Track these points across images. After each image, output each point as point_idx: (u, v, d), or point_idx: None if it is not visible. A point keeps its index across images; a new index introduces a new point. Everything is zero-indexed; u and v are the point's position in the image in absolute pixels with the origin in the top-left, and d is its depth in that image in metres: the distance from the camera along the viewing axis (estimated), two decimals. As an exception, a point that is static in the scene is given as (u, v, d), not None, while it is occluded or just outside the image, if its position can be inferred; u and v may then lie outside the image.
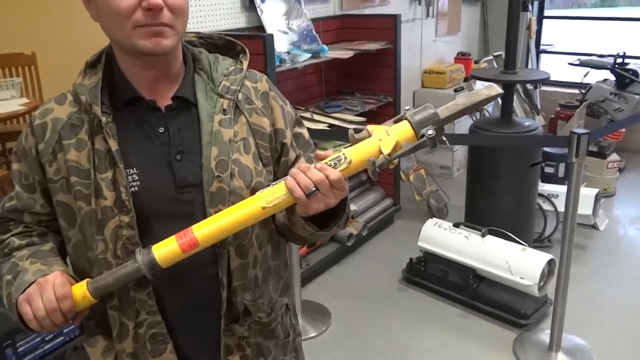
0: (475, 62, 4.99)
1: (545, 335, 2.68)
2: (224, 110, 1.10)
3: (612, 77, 4.64)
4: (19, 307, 1.00)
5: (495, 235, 2.98)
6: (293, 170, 1.00)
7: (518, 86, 4.78)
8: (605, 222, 3.94)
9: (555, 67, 5.67)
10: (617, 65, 4.56)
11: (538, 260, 2.78)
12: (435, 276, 3.13)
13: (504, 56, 3.35)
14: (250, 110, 1.13)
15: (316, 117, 3.31)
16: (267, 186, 1.11)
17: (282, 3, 3.16)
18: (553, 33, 6.26)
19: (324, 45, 3.23)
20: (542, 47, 5.84)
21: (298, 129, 1.21)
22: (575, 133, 2.40)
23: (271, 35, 2.66)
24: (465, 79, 4.82)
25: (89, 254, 1.06)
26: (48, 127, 1.07)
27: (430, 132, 0.99)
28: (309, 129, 1.27)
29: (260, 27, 3.05)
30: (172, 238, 1.00)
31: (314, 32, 3.28)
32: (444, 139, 1.03)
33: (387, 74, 3.75)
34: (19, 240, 1.11)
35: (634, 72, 4.51)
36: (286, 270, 1.25)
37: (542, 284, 2.78)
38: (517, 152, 3.15)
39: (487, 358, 2.63)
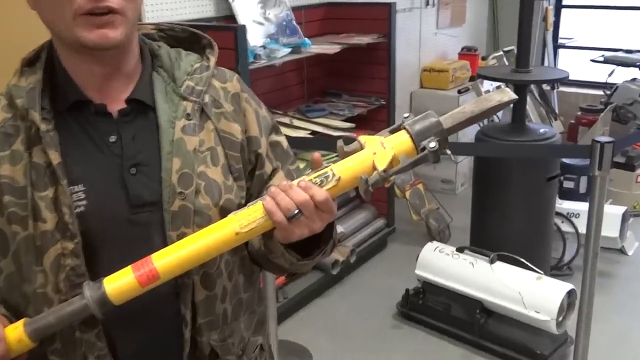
0: (483, 59, 5.06)
1: (564, 380, 2.71)
2: (188, 114, 1.10)
3: (642, 76, 4.74)
4: None
5: (506, 262, 3.01)
6: (272, 189, 1.00)
7: (532, 87, 4.85)
8: (635, 245, 3.99)
9: (575, 65, 5.77)
10: (646, 63, 4.66)
11: (556, 291, 2.82)
12: (436, 310, 3.14)
13: (515, 52, 3.40)
14: (218, 114, 1.14)
15: (296, 122, 3.33)
16: (238, 205, 1.12)
17: (257, -12, 3.19)
18: (573, 25, 6.36)
19: (306, 39, 3.26)
20: (560, 42, 5.94)
21: (275, 137, 1.22)
22: (598, 142, 2.45)
23: (244, 27, 2.67)
24: (471, 78, 4.89)
25: (25, 288, 1.05)
26: None
27: (432, 144, 1.00)
28: (287, 137, 1.29)
29: (232, 17, 3.08)
30: (128, 269, 0.99)
31: (294, 23, 3.31)
32: (448, 151, 1.04)
33: (379, 72, 3.79)
34: None
35: (666, 71, 4.61)
36: (260, 304, 1.25)
37: (561, 319, 2.81)
38: (531, 164, 3.20)
39: (497, 407, 2.65)
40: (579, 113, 5.08)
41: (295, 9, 3.41)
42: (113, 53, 1.06)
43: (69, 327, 1.04)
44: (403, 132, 1.02)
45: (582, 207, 3.54)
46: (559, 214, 3.61)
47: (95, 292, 0.99)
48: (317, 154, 1.05)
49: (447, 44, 5.22)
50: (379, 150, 1.00)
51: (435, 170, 4.80)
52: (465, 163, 4.83)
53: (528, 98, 4.37)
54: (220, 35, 2.55)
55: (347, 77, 3.90)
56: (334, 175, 1.00)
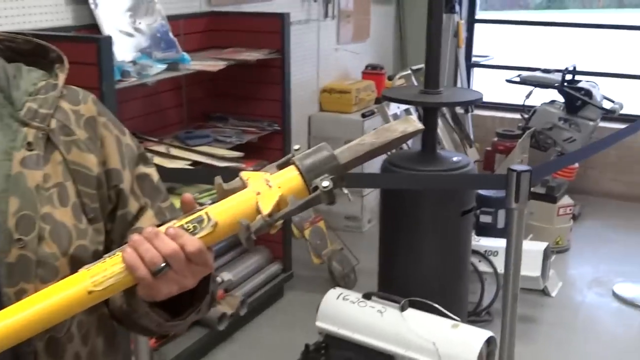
0: (389, 79, 5.20)
1: None
2: (29, 144, 1.07)
3: (561, 99, 5.00)
4: None
5: (419, 309, 3.06)
6: (134, 237, 0.98)
7: (445, 110, 5.02)
8: (558, 285, 4.18)
9: (491, 86, 6.04)
10: (566, 83, 4.93)
11: (474, 339, 2.89)
12: (341, 368, 3.14)
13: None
14: (68, 143, 1.11)
15: (174, 151, 3.29)
16: (94, 252, 1.09)
17: (126, -6, 3.15)
18: (488, 41, 6.68)
19: (185, 54, 3.24)
20: (473, 60, 6.21)
21: (143, 169, 1.20)
22: (514, 170, 2.55)
23: (109, 38, 2.62)
24: (377, 100, 5.01)
25: None
26: None
27: (325, 183, 0.99)
28: (164, 169, 1.26)
29: (94, 27, 3.02)
30: None
31: (171, 35, 3.29)
32: (345, 190, 1.05)
33: (272, 93, 3.82)
34: None
35: (587, 92, 4.89)
36: (124, 371, 1.22)
37: (480, 371, 2.87)
38: (444, 196, 3.29)
39: None
40: (496, 139, 5.31)
41: (171, 19, 3.39)
42: None
43: None
44: (292, 168, 1.02)
45: (501, 243, 3.65)
46: (475, 252, 3.72)
47: None
48: (187, 195, 1.03)
49: (350, 61, 5.33)
50: (264, 190, 1.00)
51: (338, 205, 4.84)
52: (373, 197, 4.92)
53: (440, 122, 4.52)
54: (80, 47, 2.51)
55: (234, 98, 3.91)
56: (209, 219, 0.98)
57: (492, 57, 6.46)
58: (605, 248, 4.77)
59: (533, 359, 3.42)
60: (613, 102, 4.97)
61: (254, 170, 1.06)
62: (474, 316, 3.67)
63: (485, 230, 4.24)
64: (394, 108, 4.68)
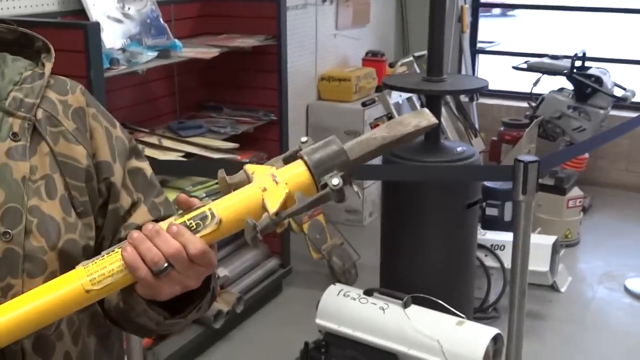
0: (391, 66, 5.20)
1: None
2: (15, 134, 1.07)
3: (570, 86, 5.00)
4: None
5: (422, 305, 3.07)
6: (134, 235, 0.97)
7: (449, 99, 5.03)
8: (568, 280, 4.18)
9: (497, 73, 6.04)
10: (575, 70, 4.93)
11: (480, 337, 2.89)
12: (342, 367, 3.15)
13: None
14: (55, 134, 1.11)
15: (166, 142, 3.28)
16: (84, 247, 1.09)
17: (114, -21, 3.14)
18: (494, 27, 6.68)
19: (177, 40, 3.24)
20: (479, 46, 6.20)
21: (136, 163, 1.20)
22: (521, 161, 2.55)
23: (97, 24, 2.62)
24: (378, 88, 5.00)
25: None
26: None
27: (335, 181, 0.98)
28: (156, 161, 1.27)
29: (81, 13, 3.01)
30: None
31: (161, 21, 3.28)
32: (355, 188, 1.04)
33: (268, 81, 3.81)
34: None
35: (597, 79, 4.89)
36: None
37: (486, 370, 2.88)
38: (448, 188, 3.29)
39: None
40: (502, 128, 5.31)
41: (162, 4, 3.38)
42: None
43: None
44: (299, 162, 1.01)
45: (508, 237, 3.65)
46: (481, 247, 3.72)
47: None
48: (183, 195, 1.02)
49: (349, 47, 5.33)
50: (270, 185, 0.99)
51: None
52: (374, 189, 4.92)
53: (444, 111, 4.52)
54: (66, 34, 2.51)
55: (228, 87, 3.90)
56: (213, 216, 0.98)
57: (498, 43, 6.46)
58: (616, 241, 4.77)
59: (542, 356, 3.43)
60: (625, 89, 4.96)
61: (253, 163, 1.05)
62: (480, 313, 3.67)
63: (492, 224, 4.24)
64: (396, 96, 4.68)
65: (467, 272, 3.43)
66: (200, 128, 3.54)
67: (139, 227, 1.11)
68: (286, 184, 0.99)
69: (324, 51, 5.06)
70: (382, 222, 3.50)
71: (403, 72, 4.84)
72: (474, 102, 5.52)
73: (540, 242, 3.76)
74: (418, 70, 4.79)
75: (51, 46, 1.18)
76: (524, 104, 5.41)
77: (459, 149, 3.39)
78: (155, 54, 3.06)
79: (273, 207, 0.97)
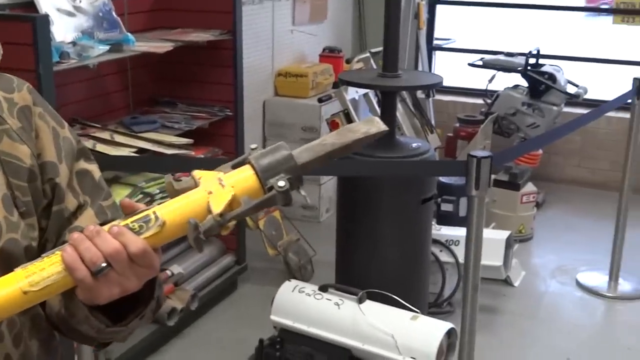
0: (347, 62, 5.19)
1: None
2: (-44, 132, 1.06)
3: (525, 83, 5.05)
4: None
5: (377, 301, 3.07)
6: (75, 235, 0.96)
7: (405, 95, 5.04)
8: (521, 275, 4.23)
9: (453, 69, 6.08)
10: (529, 67, 4.98)
11: (434, 331, 2.90)
12: (297, 363, 3.15)
13: (383, 53, 3.51)
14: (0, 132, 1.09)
15: (119, 138, 3.24)
16: (26, 248, 1.07)
17: (65, -29, 3.09)
18: (451, 23, 6.72)
19: (130, 34, 3.19)
20: (435, 43, 6.23)
21: (84, 164, 1.19)
22: (474, 156, 2.57)
23: (46, 17, 2.58)
24: (335, 85, 4.99)
25: None
26: None
27: (281, 183, 1.00)
28: (108, 156, 1.24)
29: (30, 5, 2.95)
30: None
31: (114, 14, 3.24)
32: (302, 192, 1.05)
33: (224, 76, 3.78)
34: None
35: (551, 76, 4.95)
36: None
37: (440, 364, 2.89)
38: (404, 184, 3.30)
39: None
40: (457, 125, 5.33)
41: (115, -3, 3.33)
42: None
43: None
44: (247, 167, 1.02)
45: (463, 232, 3.66)
46: (436, 242, 3.74)
47: None
48: (126, 200, 1.02)
49: (306, 43, 5.32)
50: (216, 189, 1.00)
51: (294, 195, 4.83)
52: (330, 185, 4.92)
53: (400, 107, 4.53)
54: (14, 27, 2.47)
55: (183, 82, 3.87)
56: (157, 218, 0.98)
57: (455, 40, 6.50)
58: (569, 236, 4.84)
59: (495, 350, 3.46)
60: (577, 86, 5.03)
61: (205, 164, 1.04)
62: (435, 307, 3.69)
63: (447, 219, 4.27)
64: (352, 92, 4.67)
65: (422, 267, 3.44)
66: (154, 123, 3.50)
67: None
68: (232, 187, 1.00)
69: (280, 47, 5.04)
70: (337, 217, 3.50)
71: (360, 68, 4.84)
72: (430, 99, 5.53)
73: (494, 237, 3.79)
74: (375, 67, 4.79)
75: None
76: (480, 101, 5.45)
77: (414, 144, 3.40)
78: (107, 47, 3.01)
79: (217, 208, 0.98)
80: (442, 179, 4.29)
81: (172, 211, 0.99)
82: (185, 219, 0.98)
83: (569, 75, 5.09)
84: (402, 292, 3.09)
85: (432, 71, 6.04)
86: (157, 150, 3.26)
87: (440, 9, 6.22)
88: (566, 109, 5.06)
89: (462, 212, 4.32)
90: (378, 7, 4.76)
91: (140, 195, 3.15)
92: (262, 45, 4.83)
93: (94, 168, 1.20)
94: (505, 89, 5.13)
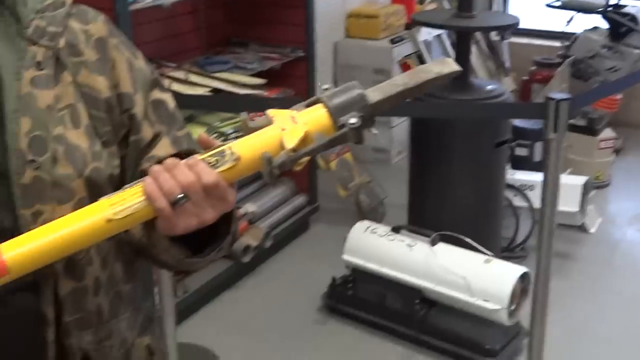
0: (420, 2, 5.11)
1: (517, 378, 2.80)
2: (38, 63, 1.07)
3: (605, 24, 4.88)
4: None
5: (450, 243, 3.08)
6: (155, 168, 0.99)
7: (479, 37, 4.94)
8: (597, 221, 4.15)
9: (529, 10, 5.91)
10: (610, 8, 4.81)
11: (507, 275, 2.89)
12: (368, 302, 3.18)
13: (458, -8, 3.45)
14: (77, 64, 1.11)
15: (193, 78, 3.28)
16: (109, 176, 1.10)
17: None
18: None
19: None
20: (511, -18, 6.06)
21: (158, 94, 1.20)
22: (553, 99, 2.51)
23: (124, -44, 2.59)
24: (407, 26, 4.93)
25: None
26: None
27: (353, 120, 1.01)
28: (183, 96, 1.26)
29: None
30: None
31: (188, -46, 3.24)
32: (374, 130, 1.06)
33: (296, 17, 3.76)
34: None
35: (633, 18, 4.77)
36: (147, 298, 1.26)
37: (513, 307, 2.89)
38: (478, 127, 3.26)
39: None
40: (533, 68, 5.21)
41: (189, -63, 3.34)
42: None
43: None
44: (319, 106, 1.04)
45: (537, 177, 3.64)
46: (510, 187, 3.70)
47: None
48: (204, 135, 1.05)
49: (378, -16, 5.23)
50: (289, 126, 1.01)
51: (366, 137, 4.82)
52: (403, 127, 4.88)
53: (474, 49, 4.45)
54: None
55: (256, 22, 3.86)
56: (232, 154, 1.00)
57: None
58: (647, 183, 4.72)
59: (569, 295, 3.42)
60: (660, 27, 4.84)
61: (278, 102, 1.06)
62: (508, 252, 3.67)
63: (521, 164, 4.20)
64: (425, 34, 4.61)
65: (495, 211, 3.41)
66: (227, 64, 3.53)
67: (160, 160, 1.12)
68: (305, 124, 1.02)
69: (352, -13, 4.98)
70: (410, 160, 3.49)
71: (433, 8, 4.76)
72: (505, 41, 5.42)
73: (571, 183, 3.72)
74: (448, 6, 4.71)
75: None
76: (557, 43, 5.29)
77: (489, 87, 3.35)
78: (181, -14, 3.02)
79: (290, 143, 1.00)
80: (517, 122, 4.21)
81: (247, 146, 1.01)
82: (259, 154, 1.00)
83: (652, 16, 4.89)
84: (475, 235, 3.09)
85: (507, 11, 5.90)
86: (231, 90, 3.29)
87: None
88: (648, 52, 4.88)
89: (537, 157, 4.25)
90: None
91: (215, 134, 3.20)
92: (334, -14, 4.77)
93: (168, 97, 1.21)
94: (584, 31, 4.96)
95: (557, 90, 4.62)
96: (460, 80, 3.31)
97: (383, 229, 3.21)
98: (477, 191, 3.33)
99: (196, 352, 3.02)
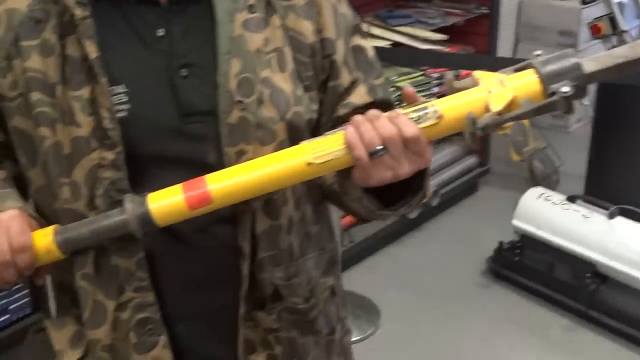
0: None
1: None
2: (251, 6, 1.10)
3: None
4: None
5: (630, 218, 2.95)
6: (358, 117, 1.00)
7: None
8: None
9: None
10: None
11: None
12: (535, 270, 3.12)
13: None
14: (286, 8, 1.13)
15: (375, 30, 3.29)
16: (308, 121, 1.13)
17: None
18: None
19: None
20: None
21: (358, 41, 1.20)
22: None
23: None
24: (600, -14, 4.69)
25: (55, 204, 1.09)
26: (1, 21, 1.08)
27: (565, 88, 0.98)
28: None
29: None
30: (177, 188, 1.02)
31: None
32: (586, 102, 1.04)
33: (481, -28, 3.69)
34: None
35: None
36: (331, 240, 1.27)
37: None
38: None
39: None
40: None
41: None
42: None
43: (103, 251, 1.07)
44: (530, 71, 1.01)
45: None
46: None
47: (138, 207, 1.02)
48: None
49: None
50: (497, 89, 1.00)
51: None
52: (584, 93, 4.70)
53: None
54: None
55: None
56: (435, 111, 1.00)
57: None
58: None
59: None
60: None
61: (459, 63, 1.05)
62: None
63: None
64: (619, -4, 4.36)
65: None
66: (408, 18, 3.51)
67: (356, 108, 1.13)
68: (514, 88, 1.00)
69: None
70: (593, 127, 3.36)
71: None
72: None
73: None
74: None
75: None
76: None
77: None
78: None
79: (497, 107, 0.98)
80: None
81: (451, 106, 1.00)
82: (463, 115, 0.99)
83: None
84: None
85: None
86: (411, 45, 3.28)
87: None
88: None
89: None
90: None
91: (391, 89, 3.21)
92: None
93: (367, 44, 1.21)
94: None
95: None
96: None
97: (557, 197, 3.13)
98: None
99: (358, 301, 3.09)
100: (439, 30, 3.48)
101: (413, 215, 3.48)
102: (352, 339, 2.74)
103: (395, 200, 1.09)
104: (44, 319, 1.19)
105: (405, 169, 1.00)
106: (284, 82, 1.10)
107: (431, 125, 0.99)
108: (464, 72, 3.54)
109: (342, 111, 1.15)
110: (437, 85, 3.40)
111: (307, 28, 1.13)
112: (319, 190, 1.20)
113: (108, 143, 1.04)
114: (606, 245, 2.89)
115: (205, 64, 1.08)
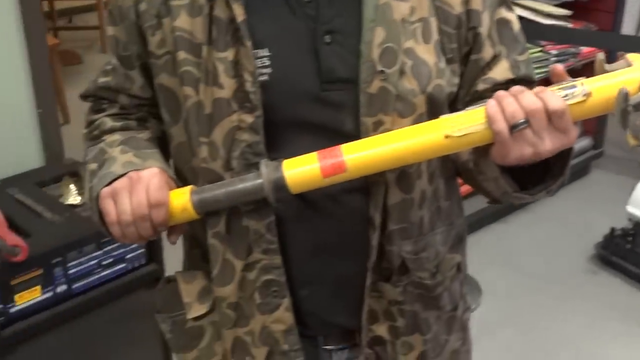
0: None
1: None
2: (398, -27, 1.08)
3: None
4: (100, 202, 1.08)
5: None
6: (500, 92, 0.98)
7: None
8: None
9: None
10: None
11: None
12: (648, 260, 3.04)
13: None
14: None
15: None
16: (449, 94, 1.11)
17: None
18: None
19: None
20: None
21: (504, 13, 1.16)
22: None
23: None
24: None
25: (193, 162, 1.12)
26: None
27: None
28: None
29: None
30: (313, 156, 1.03)
31: None
32: None
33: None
34: (112, 122, 1.20)
35: None
36: (460, 215, 1.27)
37: None
38: None
39: None
40: None
41: None
42: None
43: (236, 211, 1.10)
44: None
45: None
46: None
47: (273, 172, 1.03)
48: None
49: None
50: None
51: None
52: None
53: None
54: None
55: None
56: (583, 89, 0.96)
57: None
58: None
59: None
60: None
61: (586, 39, 1.01)
62: None
63: None
64: None
65: None
66: (532, -9, 3.42)
67: (497, 83, 1.11)
68: None
69: None
70: None
71: None
72: None
73: None
74: None
75: None
76: None
77: None
78: None
79: None
80: None
81: (601, 85, 0.97)
82: (613, 95, 0.95)
83: None
84: None
85: None
86: (533, 19, 3.20)
87: None
88: None
89: None
90: None
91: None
92: None
93: (513, 18, 1.18)
94: None
95: None
96: None
97: (677, 185, 3.03)
98: None
99: (460, 277, 3.08)
100: (562, 4, 3.38)
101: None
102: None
103: (532, 184, 1.07)
104: (177, 272, 1.24)
105: (547, 146, 0.97)
106: (427, 53, 1.09)
107: (577, 103, 0.96)
108: (585, 50, 3.48)
109: (481, 86, 1.13)
110: (557, 62, 3.31)
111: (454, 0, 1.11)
112: (453, 166, 1.19)
113: (248, 106, 1.06)
114: None
115: (349, 32, 1.07)
